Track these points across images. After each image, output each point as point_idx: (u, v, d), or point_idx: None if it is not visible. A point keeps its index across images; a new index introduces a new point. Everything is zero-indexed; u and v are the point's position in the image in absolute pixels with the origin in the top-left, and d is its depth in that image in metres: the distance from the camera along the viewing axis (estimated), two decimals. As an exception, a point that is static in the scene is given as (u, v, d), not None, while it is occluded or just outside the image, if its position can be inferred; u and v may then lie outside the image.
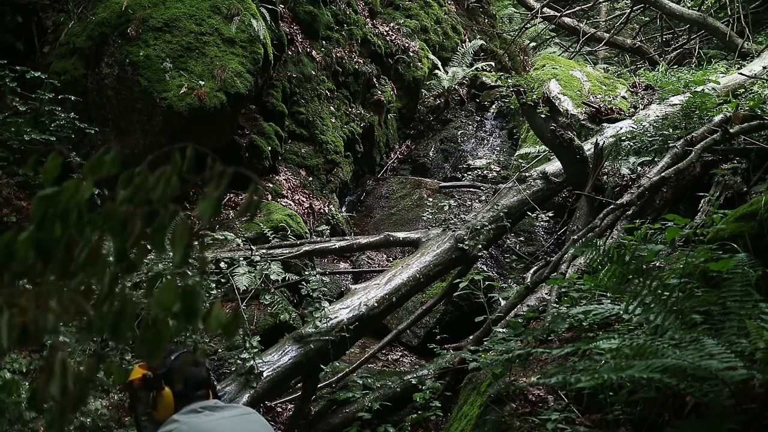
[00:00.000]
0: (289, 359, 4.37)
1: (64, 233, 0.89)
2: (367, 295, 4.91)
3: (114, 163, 0.93)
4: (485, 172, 8.94)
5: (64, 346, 0.85)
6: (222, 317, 0.90)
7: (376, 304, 4.84)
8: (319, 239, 6.28)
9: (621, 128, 6.48)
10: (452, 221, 5.72)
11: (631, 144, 5.90)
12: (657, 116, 6.37)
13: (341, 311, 4.71)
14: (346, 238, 6.63)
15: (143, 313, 0.93)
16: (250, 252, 5.03)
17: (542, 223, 6.28)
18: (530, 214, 5.90)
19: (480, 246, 5.42)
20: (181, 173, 0.95)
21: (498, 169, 9.08)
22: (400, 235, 5.89)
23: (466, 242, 5.36)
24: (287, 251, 5.44)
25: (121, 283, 0.89)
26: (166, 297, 0.89)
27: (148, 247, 0.94)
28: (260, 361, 4.19)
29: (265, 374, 4.19)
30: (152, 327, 0.89)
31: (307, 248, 5.57)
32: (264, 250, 5.24)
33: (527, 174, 6.21)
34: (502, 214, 5.71)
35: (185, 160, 0.94)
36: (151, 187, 0.92)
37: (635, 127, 6.20)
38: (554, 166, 6.25)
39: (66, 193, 0.89)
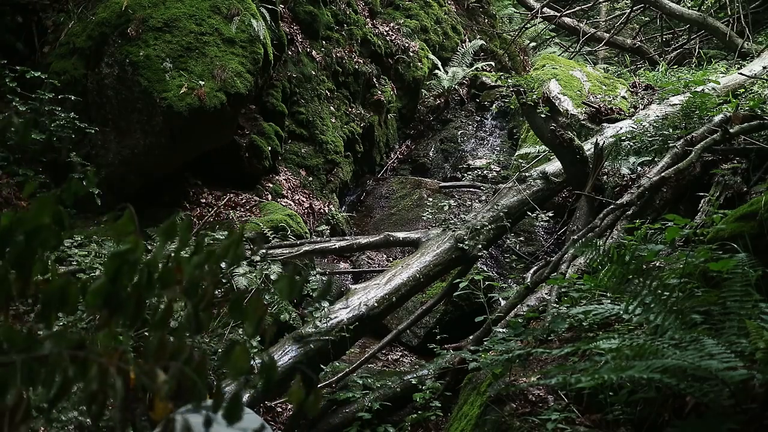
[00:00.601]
0: (289, 359, 4.37)
1: (135, 290, 0.96)
2: (367, 295, 4.91)
3: (186, 229, 0.99)
4: (485, 172, 8.94)
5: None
6: (302, 394, 0.97)
7: (376, 304, 4.84)
8: (318, 239, 6.28)
9: (621, 128, 6.48)
10: (452, 221, 5.72)
11: (631, 144, 5.90)
12: (657, 116, 6.37)
13: (341, 311, 4.71)
14: (346, 238, 6.63)
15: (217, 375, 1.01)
16: (249, 252, 5.02)
17: (542, 223, 6.28)
18: (530, 214, 5.90)
19: (480, 246, 5.42)
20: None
21: (498, 169, 9.08)
22: (400, 235, 5.89)
23: (466, 242, 5.36)
24: (287, 251, 5.44)
25: (196, 343, 0.96)
26: (242, 362, 0.98)
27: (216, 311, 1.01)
28: (260, 361, 4.17)
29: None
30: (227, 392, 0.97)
31: (307, 248, 5.57)
32: (264, 250, 5.24)
33: (527, 174, 6.21)
34: (502, 214, 5.71)
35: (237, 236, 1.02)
36: (222, 255, 0.98)
37: (635, 127, 6.20)
38: (554, 166, 6.25)
39: (137, 253, 0.94)
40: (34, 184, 1.05)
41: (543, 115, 5.79)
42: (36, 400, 0.86)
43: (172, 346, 0.95)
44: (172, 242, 1.05)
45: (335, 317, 4.62)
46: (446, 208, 6.45)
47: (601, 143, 5.71)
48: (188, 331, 0.96)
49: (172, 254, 1.01)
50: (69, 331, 0.94)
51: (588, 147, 5.94)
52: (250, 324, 1.00)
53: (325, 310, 4.60)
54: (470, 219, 5.71)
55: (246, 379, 1.04)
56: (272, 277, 4.90)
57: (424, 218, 7.08)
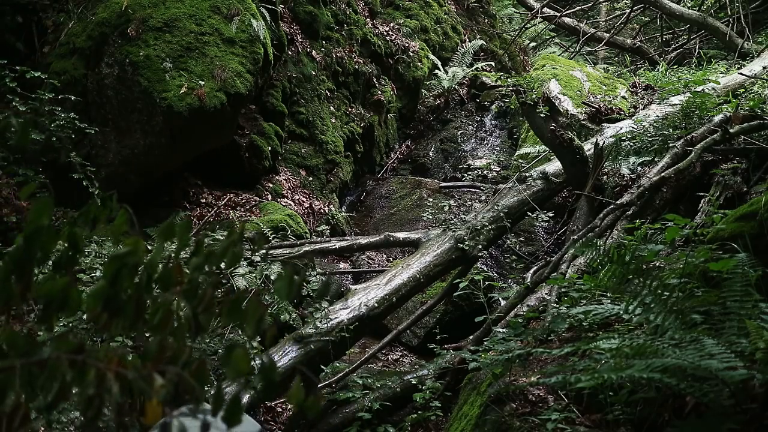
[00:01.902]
0: (290, 360, 4.37)
1: (135, 293, 0.96)
2: (367, 295, 4.91)
3: (184, 230, 0.98)
4: (485, 172, 8.94)
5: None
6: (301, 395, 0.97)
7: (376, 305, 4.84)
8: (318, 238, 6.28)
9: (621, 128, 6.48)
10: (452, 221, 5.72)
11: (631, 144, 5.89)
12: (657, 116, 6.37)
13: (341, 312, 4.70)
14: (346, 238, 6.63)
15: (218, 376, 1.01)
16: (249, 252, 5.02)
17: (542, 223, 6.28)
18: (530, 214, 5.90)
19: (480, 246, 5.42)
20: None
21: (498, 169, 9.08)
22: (401, 235, 5.89)
23: (467, 242, 5.36)
24: (287, 251, 5.44)
25: (195, 346, 0.96)
26: (242, 365, 0.98)
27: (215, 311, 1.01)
28: (260, 362, 4.16)
29: (265, 375, 4.17)
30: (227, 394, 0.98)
31: (307, 248, 5.57)
32: (264, 251, 5.24)
33: (527, 174, 6.21)
34: (502, 214, 5.71)
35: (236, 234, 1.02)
36: (221, 256, 0.98)
37: (635, 127, 6.20)
38: (554, 166, 6.25)
39: (136, 255, 0.94)
40: (33, 185, 1.04)
41: (543, 115, 5.79)
42: (34, 405, 0.86)
43: (171, 349, 0.94)
44: (172, 243, 1.05)
45: (335, 318, 4.62)
46: (446, 208, 6.45)
47: (601, 143, 5.71)
48: (187, 333, 0.96)
49: (172, 255, 1.01)
50: (69, 334, 0.93)
51: (588, 147, 5.94)
52: (250, 325, 0.99)
53: (326, 310, 4.60)
54: (470, 219, 5.71)
55: (246, 381, 1.04)
56: (272, 277, 4.91)
57: (425, 218, 7.08)
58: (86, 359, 0.87)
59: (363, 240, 6.00)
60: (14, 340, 0.88)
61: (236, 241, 1.03)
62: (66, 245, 0.96)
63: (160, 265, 0.98)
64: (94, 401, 0.87)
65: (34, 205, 0.92)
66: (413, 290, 5.19)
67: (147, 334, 0.97)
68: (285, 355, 4.39)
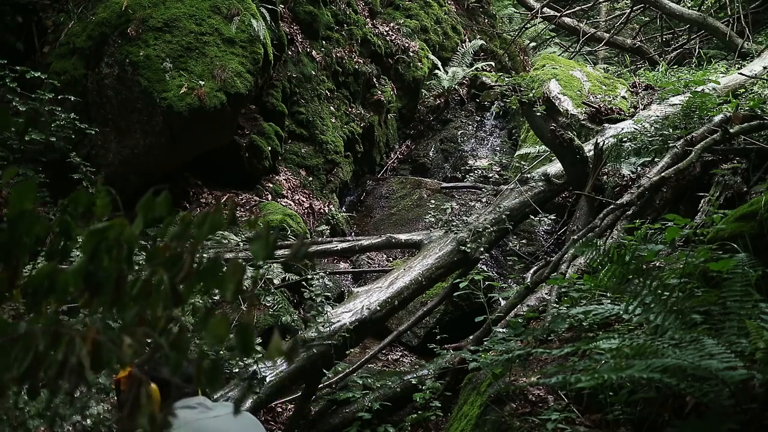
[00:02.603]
0: (293, 364, 4.36)
1: (114, 267, 0.94)
2: (369, 298, 4.90)
3: (164, 204, 0.98)
4: (485, 172, 8.94)
5: (147, 378, 0.91)
6: (281, 346, 0.94)
7: (378, 308, 4.85)
8: (320, 238, 6.27)
9: (622, 128, 6.47)
10: (454, 223, 5.72)
11: (632, 145, 5.89)
12: (657, 116, 6.37)
13: (344, 315, 4.70)
14: (348, 239, 6.63)
15: (198, 345, 0.98)
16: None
17: (545, 227, 6.29)
18: (532, 217, 5.91)
19: (482, 249, 5.42)
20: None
21: (498, 169, 9.08)
22: (402, 237, 5.89)
23: (468, 245, 5.36)
24: (287, 252, 5.44)
25: (175, 315, 0.94)
26: (220, 329, 0.94)
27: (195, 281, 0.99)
28: (262, 365, 4.15)
29: (268, 379, 4.15)
30: (209, 358, 0.95)
31: (309, 250, 5.56)
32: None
33: (529, 175, 6.21)
34: (504, 216, 5.71)
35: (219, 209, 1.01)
36: (197, 224, 0.95)
37: (637, 127, 6.19)
38: (555, 167, 6.25)
39: (116, 229, 0.92)
40: (15, 169, 1.03)
41: (539, 114, 5.79)
42: (7, 377, 0.86)
43: (149, 319, 0.93)
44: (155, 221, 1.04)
45: (337, 321, 4.61)
46: (449, 210, 6.44)
47: (601, 143, 5.71)
48: (165, 304, 0.94)
49: (156, 234, 1.00)
50: (47, 312, 0.93)
51: (589, 147, 5.94)
52: (229, 288, 0.97)
53: (328, 314, 4.59)
54: (472, 221, 5.71)
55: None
56: (273, 278, 4.90)
57: (426, 219, 7.08)
58: (59, 329, 0.86)
59: (365, 241, 6.00)
60: None
61: (216, 211, 1.01)
62: (57, 234, 0.95)
63: (149, 244, 0.97)
64: (66, 365, 0.86)
65: (16, 189, 0.91)
66: (415, 293, 5.20)
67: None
68: (287, 360, 4.38)
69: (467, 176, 9.03)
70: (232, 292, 0.97)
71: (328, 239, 6.35)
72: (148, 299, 0.94)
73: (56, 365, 0.86)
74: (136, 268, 0.96)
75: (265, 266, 4.81)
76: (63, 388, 0.88)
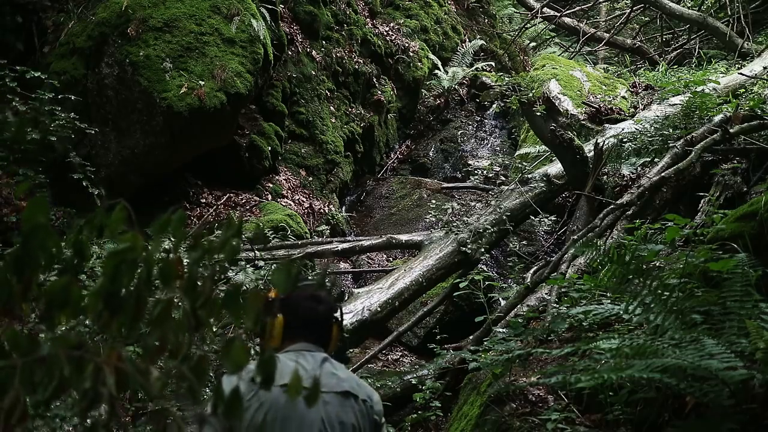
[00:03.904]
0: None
1: (134, 289, 0.96)
2: (370, 299, 4.91)
3: (179, 223, 0.98)
4: (485, 172, 8.93)
5: (178, 415, 0.94)
6: (297, 383, 0.97)
7: (379, 309, 4.86)
8: (320, 238, 6.27)
9: (623, 129, 6.46)
10: (455, 224, 5.72)
11: (632, 145, 5.89)
12: (657, 116, 6.36)
13: (345, 316, 4.71)
14: (348, 239, 6.63)
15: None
16: (253, 255, 5.02)
17: (545, 227, 6.29)
18: (533, 218, 5.91)
19: (482, 250, 5.43)
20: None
21: (498, 168, 9.08)
22: (403, 237, 5.90)
23: (469, 246, 5.36)
24: (290, 252, 5.45)
25: (195, 340, 0.96)
26: (240, 357, 0.96)
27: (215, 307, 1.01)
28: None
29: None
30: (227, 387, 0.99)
31: (310, 250, 5.57)
32: (266, 252, 5.24)
33: (530, 176, 6.21)
34: (504, 217, 5.72)
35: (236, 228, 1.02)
36: (217, 251, 0.97)
37: (638, 127, 6.18)
38: (556, 167, 6.25)
39: (135, 251, 0.93)
40: (27, 183, 1.05)
41: (538, 113, 5.80)
42: (32, 401, 0.87)
43: (170, 344, 0.94)
44: (169, 238, 1.05)
45: None
46: (449, 210, 6.44)
47: (601, 143, 5.71)
48: (186, 329, 0.95)
49: (170, 249, 1.01)
50: (70, 332, 0.93)
51: (589, 148, 5.94)
52: (249, 317, 0.99)
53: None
54: (473, 222, 5.71)
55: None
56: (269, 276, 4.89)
57: (426, 220, 7.08)
58: (84, 354, 0.87)
59: (366, 242, 6.00)
60: (16, 339, 0.88)
61: (234, 234, 1.02)
62: (72, 253, 0.96)
63: (160, 260, 0.98)
64: (89, 394, 0.87)
65: (29, 204, 0.92)
66: (416, 294, 5.22)
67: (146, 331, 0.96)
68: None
69: (471, 178, 9.01)
70: (253, 321, 0.99)
71: (329, 239, 6.35)
72: (169, 323, 0.95)
73: (86, 395, 0.87)
74: (153, 288, 0.97)
75: (268, 269, 4.81)
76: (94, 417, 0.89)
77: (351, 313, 4.74)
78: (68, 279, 0.92)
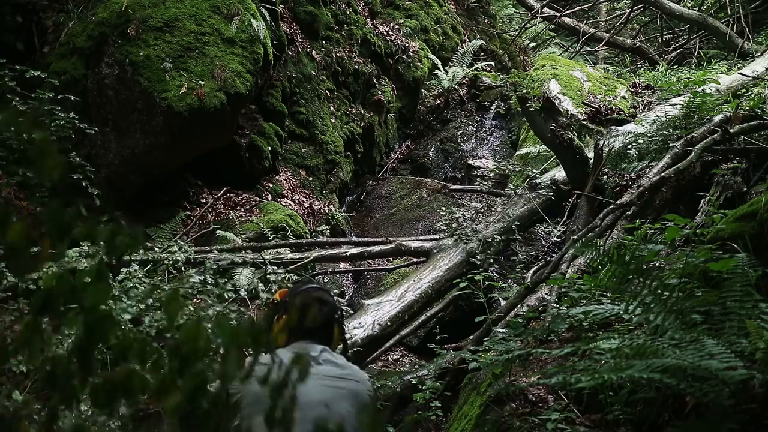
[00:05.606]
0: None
1: (213, 413, 0.95)
2: (379, 311, 4.93)
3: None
4: (485, 172, 8.93)
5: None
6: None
7: (389, 323, 4.90)
8: (327, 240, 6.25)
9: (626, 130, 6.43)
10: (463, 232, 5.73)
11: (635, 151, 5.87)
12: (658, 116, 6.36)
13: (355, 330, 4.73)
14: (356, 242, 6.60)
15: None
16: (260, 261, 5.01)
17: (555, 238, 6.31)
18: (540, 225, 5.93)
19: (491, 260, 5.46)
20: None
21: (496, 168, 9.07)
22: (412, 244, 5.92)
23: (478, 257, 5.38)
24: (297, 257, 5.46)
25: None
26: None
27: None
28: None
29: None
30: None
31: (317, 255, 5.57)
32: (271, 257, 5.24)
33: (537, 181, 6.24)
34: (513, 226, 5.76)
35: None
36: (255, 336, 0.97)
37: (642, 131, 6.14)
38: (563, 173, 6.26)
39: (217, 373, 0.94)
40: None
41: (533, 109, 5.80)
42: None
43: None
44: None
45: (349, 338, 4.62)
46: (460, 218, 6.41)
47: (601, 144, 5.70)
48: None
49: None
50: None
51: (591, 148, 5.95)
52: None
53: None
54: (481, 229, 5.73)
55: None
56: (272, 279, 4.89)
57: (427, 220, 7.08)
58: None
59: (374, 248, 6.01)
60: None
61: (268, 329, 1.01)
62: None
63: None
64: None
65: (93, 289, 0.91)
66: (424, 306, 5.28)
67: None
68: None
69: (478, 180, 8.98)
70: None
71: (337, 243, 6.32)
72: None
73: None
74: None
75: (277, 277, 4.81)
76: None
77: (361, 327, 4.75)
78: (127, 369, 0.93)
